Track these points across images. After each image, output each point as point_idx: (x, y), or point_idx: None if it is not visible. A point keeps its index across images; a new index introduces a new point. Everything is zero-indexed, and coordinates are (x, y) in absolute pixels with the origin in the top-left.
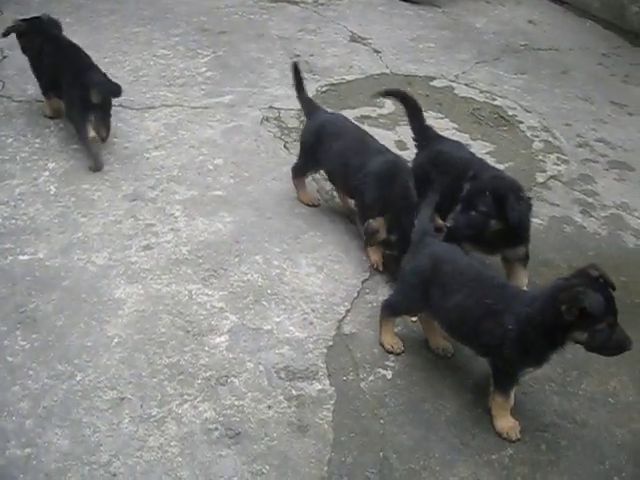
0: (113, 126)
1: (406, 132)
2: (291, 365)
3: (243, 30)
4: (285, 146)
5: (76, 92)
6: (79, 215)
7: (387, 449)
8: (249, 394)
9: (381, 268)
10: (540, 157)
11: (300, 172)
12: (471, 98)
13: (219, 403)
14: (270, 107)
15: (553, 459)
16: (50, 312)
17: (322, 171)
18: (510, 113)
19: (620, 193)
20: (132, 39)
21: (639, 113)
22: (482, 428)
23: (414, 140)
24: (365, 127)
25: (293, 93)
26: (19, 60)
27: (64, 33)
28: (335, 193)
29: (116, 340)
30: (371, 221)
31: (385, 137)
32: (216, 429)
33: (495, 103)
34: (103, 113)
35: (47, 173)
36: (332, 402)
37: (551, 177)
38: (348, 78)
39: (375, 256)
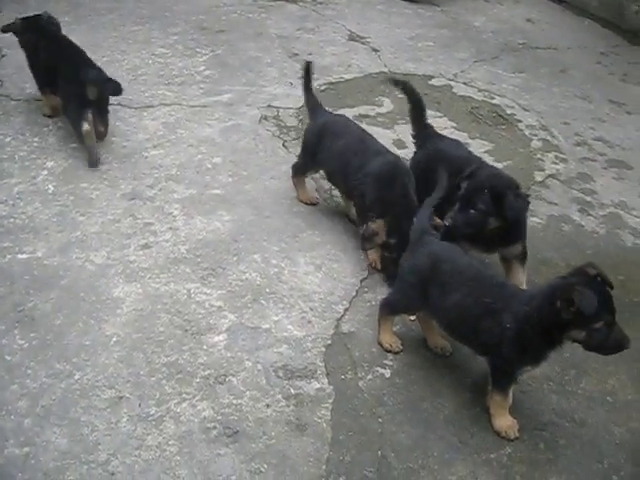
0: (112, 125)
1: (405, 131)
2: (289, 364)
3: (242, 29)
4: (284, 145)
5: (72, 88)
6: (77, 214)
7: (385, 448)
8: (247, 393)
9: (379, 267)
10: (538, 156)
11: (300, 171)
12: (469, 97)
13: (217, 402)
14: (269, 106)
15: (551, 458)
16: (48, 311)
17: (321, 171)
18: (508, 112)
19: (618, 192)
20: (131, 38)
21: (637, 112)
22: (480, 427)
23: (413, 138)
24: (363, 126)
25: (292, 92)
26: (17, 59)
27: (63, 32)
28: (334, 192)
29: (114, 339)
30: (370, 224)
31: (384, 136)
32: (214, 428)
33: (493, 102)
34: (100, 109)
35: (45, 172)
36: (330, 401)
37: (549, 176)
38: (347, 77)
39: (373, 255)
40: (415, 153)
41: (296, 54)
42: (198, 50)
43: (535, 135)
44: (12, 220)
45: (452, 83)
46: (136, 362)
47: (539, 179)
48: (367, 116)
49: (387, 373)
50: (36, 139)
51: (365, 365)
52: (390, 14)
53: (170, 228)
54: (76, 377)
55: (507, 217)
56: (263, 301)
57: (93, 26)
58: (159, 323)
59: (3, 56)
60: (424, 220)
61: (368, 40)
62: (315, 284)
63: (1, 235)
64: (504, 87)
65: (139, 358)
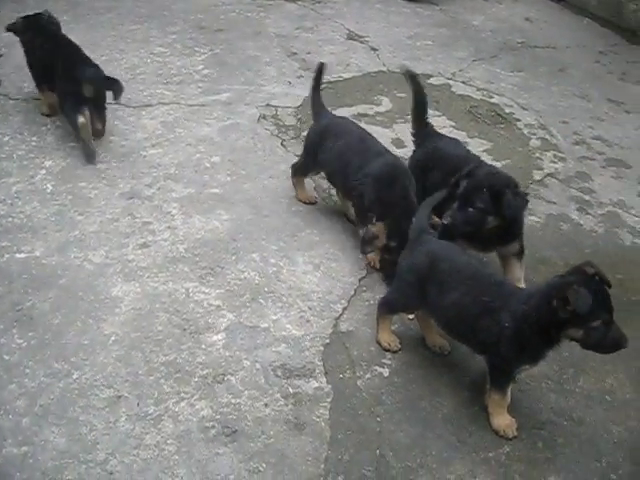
0: (110, 124)
1: (403, 130)
2: (288, 363)
3: (240, 28)
4: (282, 144)
5: (68, 86)
6: (76, 213)
7: (384, 447)
8: (246, 392)
9: (378, 266)
10: (537, 155)
11: (301, 172)
12: (468, 96)
13: (216, 401)
14: (267, 105)
15: (550, 457)
16: (47, 310)
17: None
18: (507, 111)
19: (617, 191)
20: (129, 37)
21: (636, 111)
22: (479, 426)
23: (413, 136)
24: (362, 125)
25: (290, 91)
26: (16, 58)
27: (62, 31)
28: (332, 192)
29: (113, 338)
30: (370, 227)
31: (382, 135)
32: (213, 427)
33: (492, 101)
34: (97, 106)
35: (44, 171)
36: (329, 400)
37: (548, 175)
38: (345, 76)
39: (372, 255)
40: (414, 151)
41: (295, 53)
42: (197, 49)
43: (534, 134)
44: (10, 219)
45: (451, 82)
46: (134, 361)
47: (538, 178)
48: (366, 115)
49: (385, 372)
50: (34, 138)
51: (363, 364)
52: (389, 13)
53: (168, 227)
54: (74, 376)
55: (506, 216)
56: (262, 300)
57: (92, 25)
58: (157, 322)
59: (1, 55)
60: (422, 219)
61: (367, 39)
62: (314, 283)
63: None
64: (503, 86)
65: (137, 357)
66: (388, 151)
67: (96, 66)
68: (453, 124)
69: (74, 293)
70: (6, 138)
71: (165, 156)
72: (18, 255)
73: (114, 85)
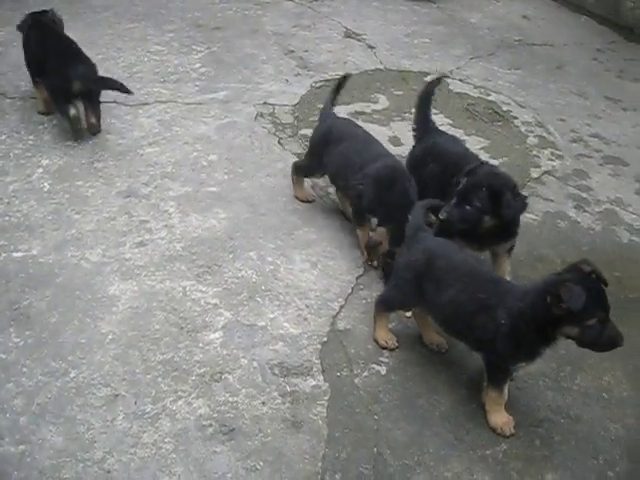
0: (107, 122)
1: (400, 128)
2: (285, 361)
3: (237, 26)
4: (279, 142)
5: (58, 81)
6: (73, 212)
7: (381, 445)
8: (243, 390)
9: (375, 264)
10: (534, 152)
11: (303, 172)
12: (465, 93)
13: (213, 399)
14: (264, 103)
15: (547, 454)
16: (44, 309)
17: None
18: (504, 108)
19: (614, 188)
20: (126, 35)
21: (633, 108)
22: (476, 423)
23: (414, 130)
24: (359, 123)
25: (287, 89)
26: (12, 57)
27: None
28: (330, 190)
29: (110, 337)
30: (372, 234)
31: (379, 133)
32: (210, 425)
33: (489, 98)
34: (91, 101)
35: (41, 170)
36: (326, 398)
37: (545, 172)
38: (342, 74)
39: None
40: (413, 147)
41: (292, 51)
42: (194, 47)
43: (531, 132)
44: (7, 218)
45: (448, 80)
46: (132, 360)
47: (535, 176)
48: (363, 113)
49: (383, 370)
50: (31, 137)
51: (361, 362)
52: (386, 11)
53: (165, 226)
54: (72, 375)
55: (503, 216)
56: (259, 298)
57: (89, 23)
58: (155, 321)
59: None
60: (418, 217)
61: (364, 37)
62: (311, 281)
63: None
64: (500, 84)
65: (135, 356)
66: (390, 154)
67: (91, 65)
68: (450, 122)
69: (71, 292)
70: (3, 137)
71: (162, 154)
72: (15, 254)
73: (109, 83)
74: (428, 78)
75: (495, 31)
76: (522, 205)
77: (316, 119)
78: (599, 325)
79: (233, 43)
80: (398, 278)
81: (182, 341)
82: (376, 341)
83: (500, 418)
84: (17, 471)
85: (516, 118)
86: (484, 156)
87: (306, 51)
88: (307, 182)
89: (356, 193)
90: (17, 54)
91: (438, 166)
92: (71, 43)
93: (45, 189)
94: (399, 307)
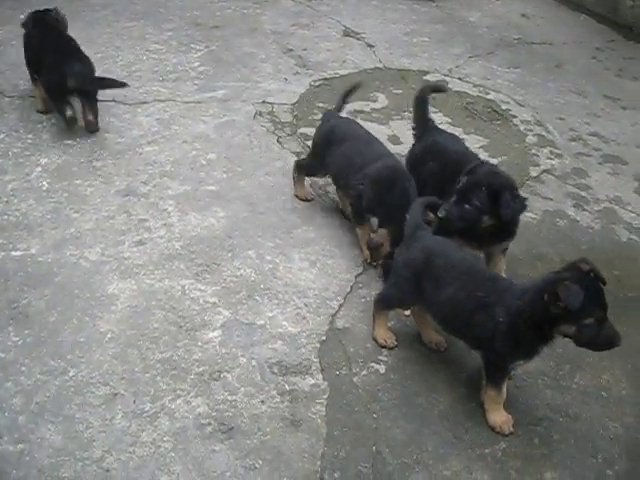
0: (105, 121)
1: (400, 126)
2: (284, 360)
3: (236, 24)
4: (278, 141)
5: (54, 78)
6: (72, 211)
7: (380, 443)
8: (242, 389)
9: (374, 263)
10: (533, 151)
11: (304, 171)
12: (464, 92)
13: (212, 398)
14: (263, 102)
15: (546, 453)
16: (43, 308)
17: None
18: (503, 107)
19: (613, 187)
20: (125, 34)
21: (632, 107)
22: (475, 422)
23: (413, 129)
24: (358, 121)
25: (286, 87)
26: (11, 56)
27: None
28: (328, 189)
29: (109, 336)
30: (373, 235)
31: (378, 131)
32: (209, 424)
33: (488, 97)
34: (88, 98)
35: (39, 169)
36: (325, 397)
37: (544, 171)
38: (341, 72)
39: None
40: (413, 145)
41: (291, 50)
42: (192, 46)
43: (530, 130)
44: (6, 217)
45: (447, 78)
46: (131, 359)
47: (534, 174)
48: (362, 112)
49: (382, 369)
50: (30, 136)
51: (360, 361)
52: (385, 10)
53: (164, 224)
54: (70, 374)
55: (501, 217)
56: (258, 297)
57: (87, 22)
58: (153, 319)
59: None
60: (417, 215)
61: (363, 36)
62: (310, 280)
63: None
64: (499, 82)
65: (134, 355)
66: (391, 154)
67: (88, 64)
68: (449, 120)
69: (70, 291)
70: (1, 135)
71: (161, 153)
72: (14, 253)
73: (106, 83)
74: (428, 77)
75: (494, 30)
76: (521, 206)
77: (315, 118)
78: (596, 324)
79: (232, 42)
80: (397, 276)
81: (181, 340)
82: (375, 340)
83: (499, 417)
84: (16, 470)
85: (515, 117)
86: (483, 155)
87: (305, 50)
88: (306, 181)
89: (356, 193)
90: (16, 53)
91: (438, 165)
92: (70, 41)
93: (44, 188)
94: (398, 305)
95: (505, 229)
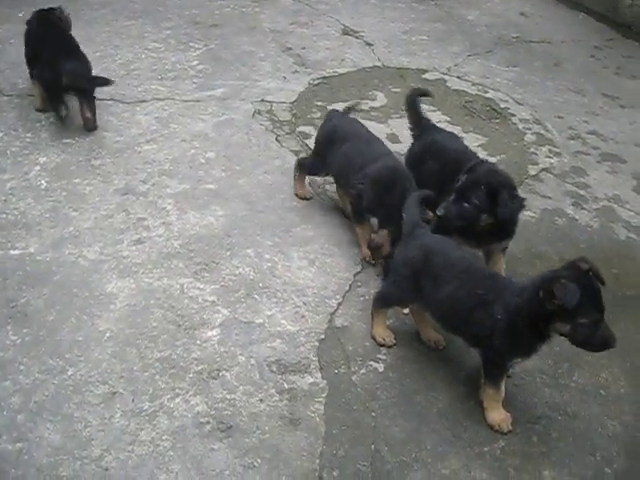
0: (104, 120)
1: (399, 125)
2: (283, 358)
3: (235, 23)
4: (277, 139)
5: (50, 75)
6: (70, 209)
7: (379, 442)
8: (241, 388)
9: (373, 261)
10: (532, 150)
11: (305, 170)
12: (463, 91)
13: (211, 397)
14: (262, 100)
15: (544, 451)
16: (41, 307)
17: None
18: (502, 106)
19: (612, 185)
20: (123, 32)
21: (631, 105)
22: (474, 420)
23: (411, 130)
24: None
25: (285, 86)
26: (10, 55)
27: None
28: (328, 187)
29: (107, 334)
30: (374, 236)
31: (377, 130)
32: (208, 423)
33: (487, 96)
34: (86, 96)
35: (38, 167)
36: (324, 395)
37: (543, 169)
38: (340, 71)
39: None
40: (412, 144)
41: (289, 48)
42: (191, 44)
43: (529, 129)
44: (4, 216)
45: (446, 77)
46: (129, 357)
47: (533, 173)
48: (360, 110)
49: (380, 367)
50: (29, 134)
51: (358, 359)
52: (384, 8)
53: (163, 223)
54: (69, 373)
55: (498, 215)
56: (256, 296)
57: (86, 21)
58: (152, 318)
59: None
60: (415, 213)
61: (362, 34)
62: (308, 279)
63: None
64: (498, 81)
65: (132, 353)
66: (392, 154)
67: (85, 62)
68: (448, 119)
69: (68, 289)
70: (0, 134)
71: (160, 152)
72: (12, 251)
73: (100, 81)
74: (426, 75)
75: (493, 28)
76: (519, 205)
77: (314, 116)
78: (592, 324)
79: (230, 40)
80: (396, 275)
81: (180, 338)
82: (374, 338)
83: (498, 415)
84: (14, 469)
85: (514, 115)
86: (482, 153)
87: (304, 48)
88: (305, 179)
89: (356, 192)
90: (15, 51)
91: (437, 163)
92: (70, 40)
93: (42, 187)
94: (397, 304)
95: (504, 228)
